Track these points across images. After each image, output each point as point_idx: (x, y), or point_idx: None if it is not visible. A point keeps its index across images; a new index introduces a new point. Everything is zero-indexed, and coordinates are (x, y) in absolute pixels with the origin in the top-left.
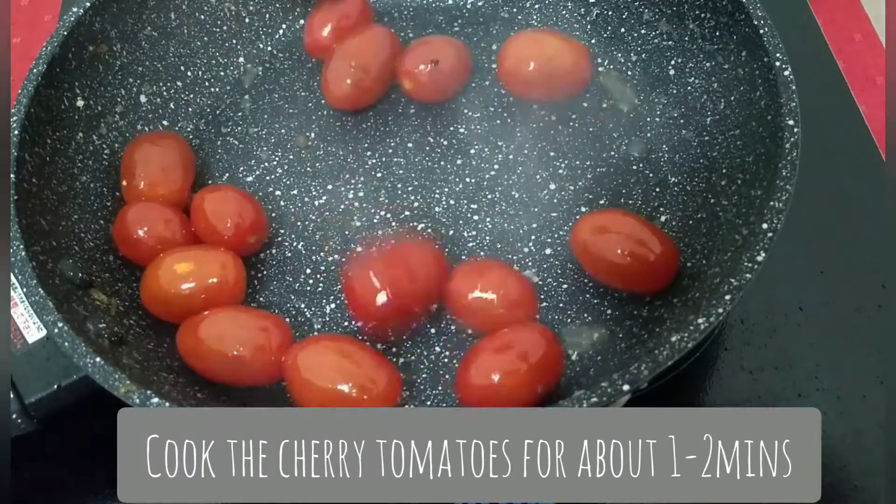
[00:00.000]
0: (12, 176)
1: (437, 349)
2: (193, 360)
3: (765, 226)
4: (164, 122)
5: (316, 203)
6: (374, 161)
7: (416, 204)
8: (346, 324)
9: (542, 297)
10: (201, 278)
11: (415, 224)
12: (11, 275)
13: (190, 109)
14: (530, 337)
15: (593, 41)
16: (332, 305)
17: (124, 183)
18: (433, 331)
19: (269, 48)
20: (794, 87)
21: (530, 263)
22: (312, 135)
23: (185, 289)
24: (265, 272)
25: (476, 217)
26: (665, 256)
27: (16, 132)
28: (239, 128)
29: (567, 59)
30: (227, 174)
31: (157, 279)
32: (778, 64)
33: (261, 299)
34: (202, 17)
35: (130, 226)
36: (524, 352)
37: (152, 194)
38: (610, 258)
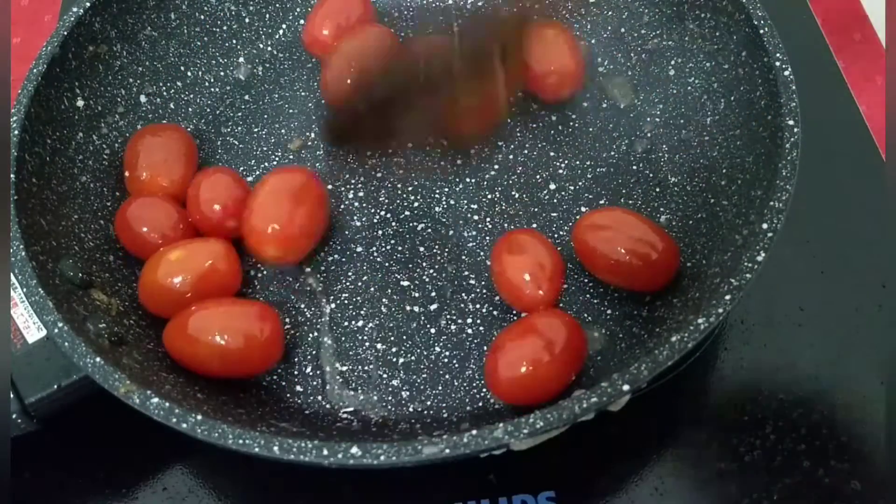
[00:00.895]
0: (12, 176)
1: (437, 349)
2: (185, 357)
3: (765, 226)
4: (164, 122)
5: None
6: (374, 161)
7: (416, 204)
8: (346, 324)
9: None
10: (193, 268)
11: (415, 224)
12: (11, 275)
13: (190, 109)
14: (555, 324)
15: (593, 41)
16: (332, 305)
17: (127, 174)
18: (433, 331)
19: (269, 48)
20: (794, 87)
21: None
22: (312, 135)
23: (177, 281)
24: (265, 272)
25: (476, 217)
26: (666, 254)
27: (16, 132)
28: (239, 128)
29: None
30: None
31: (153, 273)
32: (778, 64)
33: (261, 300)
34: (202, 17)
35: (132, 221)
36: (551, 340)
37: (154, 186)
38: (611, 255)
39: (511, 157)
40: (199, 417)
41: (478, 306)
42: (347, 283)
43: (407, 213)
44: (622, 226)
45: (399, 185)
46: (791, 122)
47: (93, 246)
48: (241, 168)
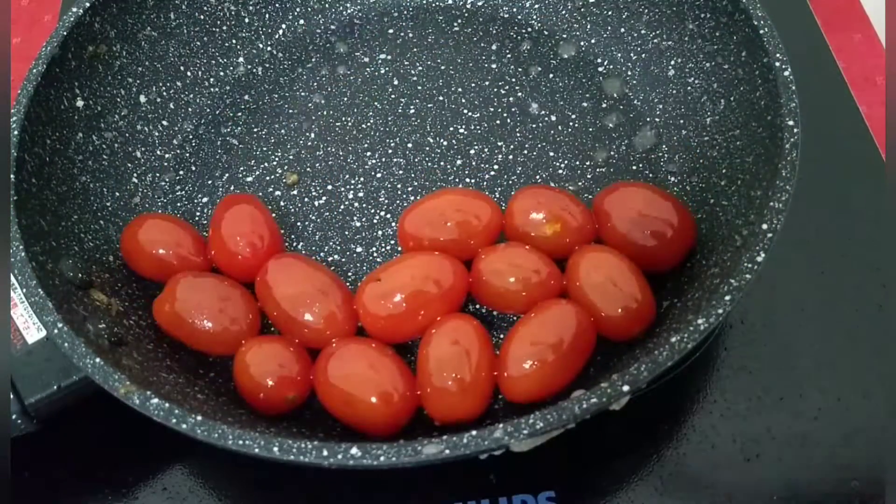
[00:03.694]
0: (12, 176)
1: None
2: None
3: (765, 226)
4: (164, 123)
5: (316, 203)
6: (374, 161)
7: None
8: None
9: None
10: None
11: None
12: (11, 275)
13: (190, 109)
14: (565, 316)
15: (593, 41)
16: None
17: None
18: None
19: (269, 48)
20: (794, 87)
21: None
22: (312, 135)
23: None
24: None
25: None
26: (683, 228)
27: (15, 132)
28: (239, 128)
29: None
30: (226, 174)
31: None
32: (778, 64)
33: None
34: (202, 17)
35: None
36: (560, 335)
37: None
38: (627, 234)
39: (511, 157)
40: (199, 418)
41: (478, 307)
42: (348, 285)
43: None
44: (638, 202)
45: (399, 185)
46: (791, 123)
47: (93, 246)
48: (241, 168)
